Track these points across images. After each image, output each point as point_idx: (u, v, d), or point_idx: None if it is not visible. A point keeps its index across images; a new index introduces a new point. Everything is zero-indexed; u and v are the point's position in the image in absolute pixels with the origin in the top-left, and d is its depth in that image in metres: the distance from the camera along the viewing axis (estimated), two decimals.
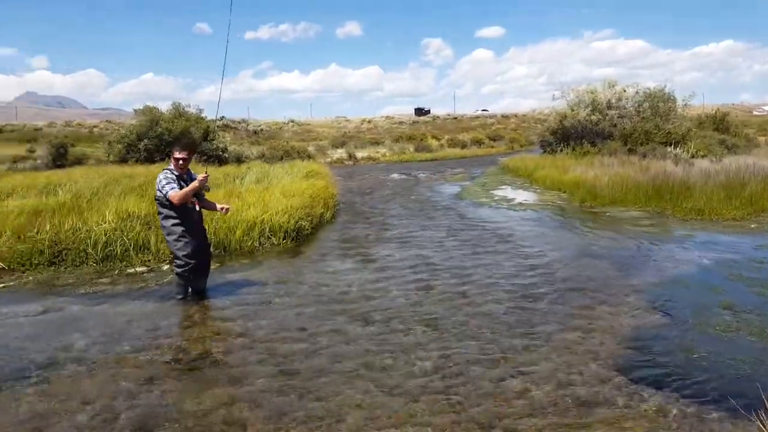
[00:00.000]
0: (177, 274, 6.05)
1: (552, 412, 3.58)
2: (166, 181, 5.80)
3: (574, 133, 23.10)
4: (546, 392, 3.84)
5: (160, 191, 5.81)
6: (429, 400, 3.76)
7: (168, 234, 5.94)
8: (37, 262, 7.56)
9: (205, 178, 5.91)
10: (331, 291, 6.39)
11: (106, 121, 68.18)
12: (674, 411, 3.57)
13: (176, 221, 5.87)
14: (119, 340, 4.98)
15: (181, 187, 5.81)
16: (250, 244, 8.70)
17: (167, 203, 5.81)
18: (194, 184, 5.81)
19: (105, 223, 8.27)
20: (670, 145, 17.91)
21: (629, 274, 6.85)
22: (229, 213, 6.90)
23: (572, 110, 23.74)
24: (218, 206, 6.34)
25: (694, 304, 5.64)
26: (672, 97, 22.36)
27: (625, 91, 23.42)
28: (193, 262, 5.96)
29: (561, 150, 22.86)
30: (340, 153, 35.58)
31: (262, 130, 60.11)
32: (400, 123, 71.58)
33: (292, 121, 70.76)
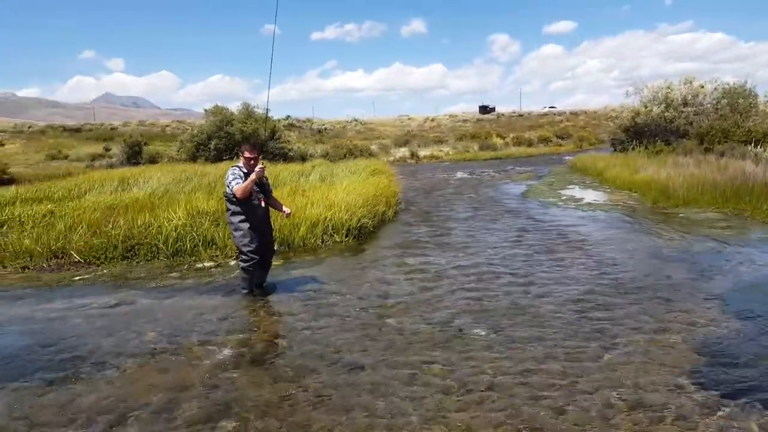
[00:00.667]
0: (242, 268, 6.21)
1: (625, 419, 3.44)
2: (233, 176, 5.99)
3: (647, 131, 22.26)
4: (620, 400, 3.69)
5: (228, 186, 6.00)
6: (483, 409, 3.68)
7: (235, 230, 6.10)
8: (111, 256, 7.92)
9: (262, 169, 6.04)
10: (391, 291, 6.38)
11: (178, 120, 70.88)
12: (752, 422, 3.36)
13: (243, 217, 6.03)
14: (187, 332, 5.14)
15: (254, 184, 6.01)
16: (313, 241, 8.82)
17: (234, 199, 5.97)
18: (252, 176, 5.95)
19: (176, 219, 8.57)
20: (751, 143, 16.96)
21: (705, 278, 6.52)
22: (292, 212, 7.03)
23: (645, 107, 22.88)
24: (284, 209, 6.49)
25: None
26: (753, 93, 21.19)
27: (702, 87, 22.37)
28: (257, 257, 6.10)
29: (633, 148, 22.07)
30: (402, 152, 35.62)
31: (326, 129, 61.01)
32: (464, 121, 70.95)
33: (356, 120, 71.41)
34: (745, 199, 11.17)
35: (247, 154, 6.10)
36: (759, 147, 16.44)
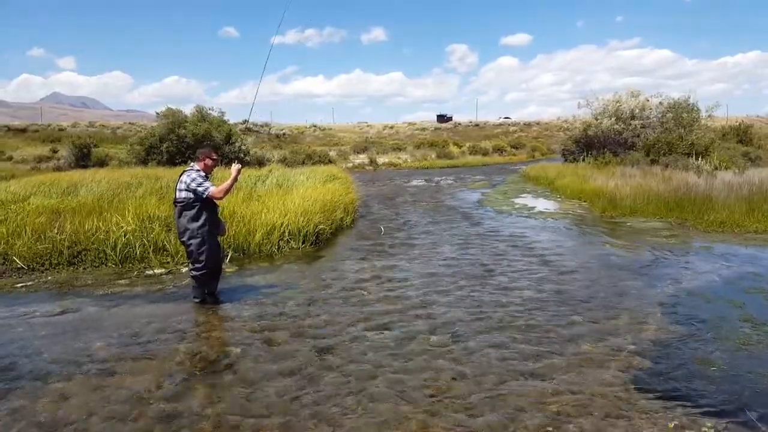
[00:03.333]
0: (194, 277, 6.05)
1: (566, 422, 3.52)
2: (201, 179, 5.82)
3: (597, 143, 22.94)
4: (561, 403, 3.78)
5: (194, 192, 5.77)
6: (442, 406, 3.72)
7: (191, 237, 5.87)
8: (56, 262, 7.67)
9: (240, 169, 6.01)
10: (348, 297, 6.38)
11: (129, 122, 69.17)
12: (691, 425, 3.50)
13: (202, 223, 5.86)
14: (136, 341, 5.02)
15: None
16: (269, 247, 8.73)
17: (196, 204, 5.81)
18: (234, 174, 5.89)
19: (125, 224, 8.35)
20: (693, 156, 17.67)
21: (648, 285, 6.75)
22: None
23: (596, 119, 23.58)
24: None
25: (714, 317, 5.54)
26: (696, 108, 22.09)
27: (648, 100, 23.21)
28: (213, 265, 6.01)
29: (582, 159, 22.71)
30: (361, 158, 35.67)
31: (284, 134, 60.56)
32: (423, 129, 71.55)
33: (315, 126, 71.15)
34: (688, 209, 11.63)
35: (214, 156, 6.03)
36: (701, 159, 17.13)
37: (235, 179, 5.91)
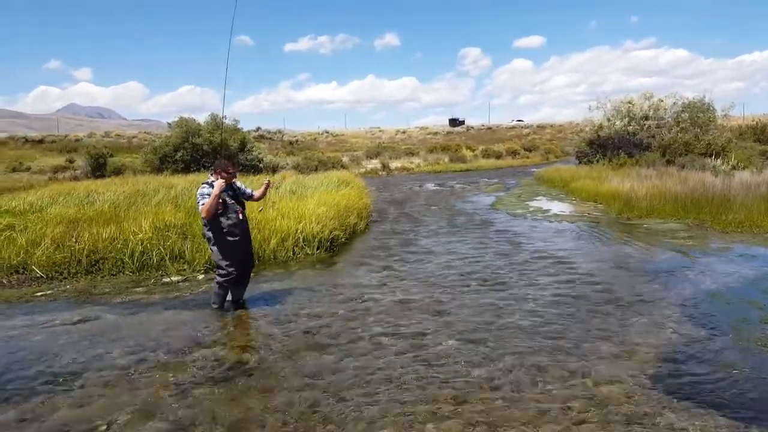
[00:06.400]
0: (218, 283, 6.09)
1: (588, 427, 3.48)
2: (201, 196, 5.85)
3: (611, 144, 22.78)
4: (581, 405, 3.74)
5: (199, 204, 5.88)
6: (462, 411, 3.70)
7: (214, 244, 5.95)
8: (74, 270, 7.74)
9: (223, 183, 5.83)
10: (362, 304, 6.37)
11: (145, 132, 69.87)
12: (713, 427, 3.44)
13: (223, 231, 5.89)
14: (154, 349, 5.05)
15: (222, 199, 5.85)
16: (284, 253, 8.75)
17: (215, 213, 5.84)
18: (215, 190, 5.74)
19: (142, 232, 8.42)
20: (710, 156, 17.48)
21: (667, 287, 6.67)
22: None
23: (608, 120, 23.43)
24: (261, 189, 6.38)
25: (734, 318, 5.47)
26: (712, 108, 21.87)
27: (662, 101, 23.02)
28: (236, 273, 6.02)
29: (597, 161, 22.56)
30: (374, 163, 35.73)
31: (297, 140, 60.88)
32: (435, 133, 71.57)
33: (327, 132, 71.40)
34: (705, 209, 11.50)
35: (230, 170, 5.96)
36: (717, 159, 16.94)
37: (217, 196, 5.73)
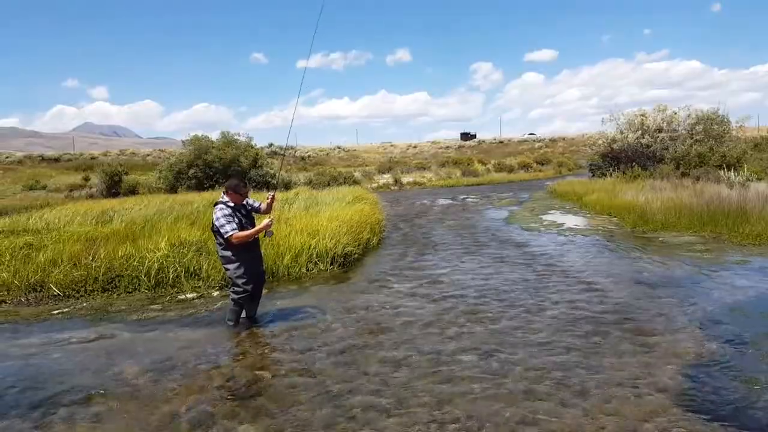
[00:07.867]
0: (233, 300, 6.13)
1: None
2: (225, 220, 5.79)
3: (624, 157, 22.67)
4: (601, 424, 3.69)
5: (219, 230, 5.81)
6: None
7: (228, 262, 5.98)
8: (91, 288, 7.79)
9: (270, 222, 6.02)
10: (377, 319, 6.36)
11: (159, 149, 70.58)
12: None
13: (237, 250, 5.91)
14: (170, 366, 5.07)
15: (238, 219, 5.89)
16: (297, 269, 8.76)
17: (224, 241, 5.88)
18: (259, 227, 5.93)
19: (158, 250, 8.46)
20: (725, 168, 17.33)
21: (686, 301, 6.59)
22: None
23: (621, 133, 23.35)
24: (265, 221, 6.21)
25: (754, 333, 5.39)
26: (726, 119, 21.72)
27: (675, 113, 22.92)
28: (251, 290, 6.05)
29: (610, 174, 22.44)
30: (386, 178, 35.77)
31: (309, 156, 61.20)
32: (446, 148, 71.64)
33: (339, 147, 71.71)
34: (722, 222, 11.37)
35: (242, 191, 6.02)
36: (732, 172, 16.80)
37: (258, 231, 5.91)
